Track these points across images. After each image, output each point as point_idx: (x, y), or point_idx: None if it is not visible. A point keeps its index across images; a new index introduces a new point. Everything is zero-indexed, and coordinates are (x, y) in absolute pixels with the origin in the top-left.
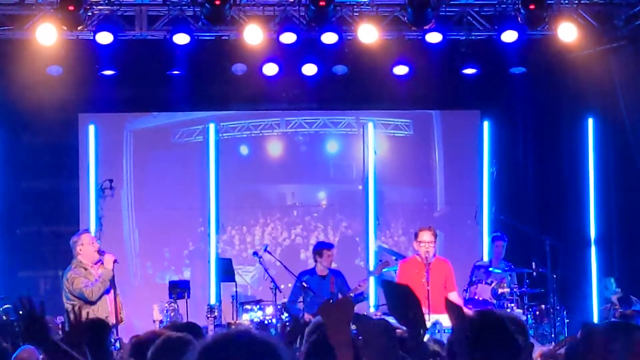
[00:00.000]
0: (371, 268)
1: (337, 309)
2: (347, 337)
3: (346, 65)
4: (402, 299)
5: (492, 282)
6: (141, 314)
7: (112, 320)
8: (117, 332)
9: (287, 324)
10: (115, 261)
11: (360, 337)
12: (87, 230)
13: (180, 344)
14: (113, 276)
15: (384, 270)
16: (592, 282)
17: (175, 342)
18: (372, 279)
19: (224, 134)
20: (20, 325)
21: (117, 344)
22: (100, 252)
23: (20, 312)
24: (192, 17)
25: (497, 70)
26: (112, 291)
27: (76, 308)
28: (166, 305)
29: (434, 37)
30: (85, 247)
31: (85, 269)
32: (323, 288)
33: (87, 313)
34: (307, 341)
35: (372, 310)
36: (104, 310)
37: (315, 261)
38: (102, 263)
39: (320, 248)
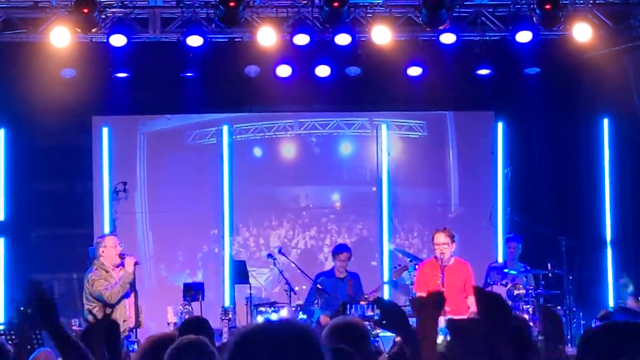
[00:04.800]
0: (386, 270)
1: (428, 304)
2: (435, 331)
3: (360, 66)
4: (493, 308)
5: (507, 283)
6: (155, 316)
7: (130, 324)
8: (137, 335)
9: None
10: (136, 263)
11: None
12: (113, 233)
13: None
14: (134, 279)
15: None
16: (608, 283)
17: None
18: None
19: (238, 136)
20: (28, 309)
21: (135, 346)
22: (122, 256)
23: (29, 295)
24: (205, 19)
25: (511, 71)
26: (132, 294)
27: (95, 310)
28: (180, 307)
29: (447, 38)
30: (107, 249)
31: (107, 271)
32: (339, 290)
33: (105, 313)
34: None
35: None
36: (122, 313)
37: (334, 263)
38: (124, 266)
39: (334, 251)
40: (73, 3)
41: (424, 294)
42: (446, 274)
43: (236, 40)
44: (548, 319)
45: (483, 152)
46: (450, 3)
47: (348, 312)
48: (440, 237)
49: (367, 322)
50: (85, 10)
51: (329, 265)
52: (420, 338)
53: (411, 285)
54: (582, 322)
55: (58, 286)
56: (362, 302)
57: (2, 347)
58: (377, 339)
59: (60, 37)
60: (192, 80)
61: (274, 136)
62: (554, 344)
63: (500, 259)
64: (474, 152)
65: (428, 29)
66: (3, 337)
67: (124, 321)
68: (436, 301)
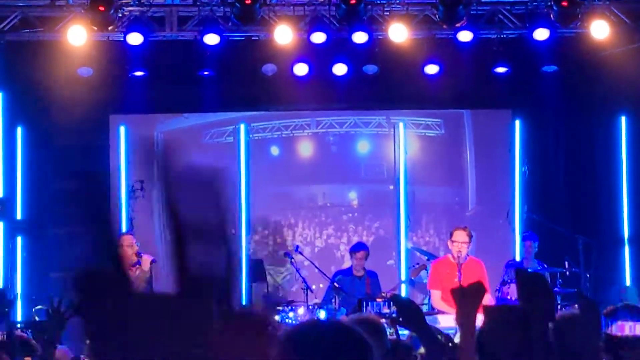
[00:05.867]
0: (403, 269)
1: (469, 294)
2: (473, 321)
3: (377, 64)
4: (534, 290)
5: None
6: None
7: None
8: None
9: None
10: (152, 261)
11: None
12: (129, 232)
13: None
14: (150, 277)
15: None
16: (626, 282)
17: None
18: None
19: (255, 135)
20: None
21: None
22: (138, 255)
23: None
24: (222, 17)
25: (528, 69)
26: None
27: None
28: None
29: (465, 36)
30: (123, 248)
31: None
32: (357, 288)
33: None
34: None
35: None
36: None
37: (351, 261)
38: (140, 265)
39: (351, 250)
40: (89, 1)
41: (439, 292)
42: (462, 272)
43: (253, 38)
44: (524, 285)
45: (500, 150)
46: (467, 0)
47: (364, 310)
48: (461, 235)
49: (383, 320)
50: (102, 9)
51: (346, 263)
52: (459, 327)
53: None
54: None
55: None
56: (378, 300)
57: (28, 342)
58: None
59: (77, 35)
60: (209, 78)
61: (291, 135)
62: (541, 320)
63: (517, 257)
64: (492, 150)
65: (445, 27)
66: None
67: None
68: (478, 291)
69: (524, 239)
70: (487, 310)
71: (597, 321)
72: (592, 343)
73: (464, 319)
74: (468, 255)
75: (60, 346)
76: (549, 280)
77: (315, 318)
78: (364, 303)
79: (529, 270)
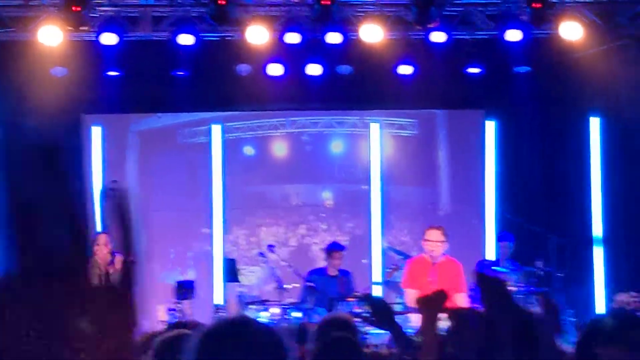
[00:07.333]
0: (375, 268)
1: (432, 300)
2: (435, 326)
3: (351, 65)
4: (495, 292)
5: None
6: (146, 314)
7: None
8: None
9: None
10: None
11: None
12: (104, 231)
13: (177, 341)
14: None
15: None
16: (597, 281)
17: (173, 340)
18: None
19: (229, 135)
20: None
21: None
22: (113, 254)
23: None
24: (196, 17)
25: (501, 70)
26: None
27: None
28: (172, 305)
29: (438, 37)
30: (100, 247)
31: (100, 269)
32: (331, 287)
33: None
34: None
35: None
36: None
37: (327, 261)
38: (114, 264)
39: (331, 249)
40: (63, 1)
41: (413, 291)
42: (436, 271)
43: (227, 38)
44: (546, 308)
45: (474, 150)
46: (441, 1)
47: (336, 309)
48: (433, 234)
49: (357, 319)
50: (76, 9)
51: (320, 263)
52: (421, 332)
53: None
54: (571, 319)
55: None
56: (349, 299)
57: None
58: (366, 335)
59: (51, 35)
60: (183, 78)
61: (266, 134)
62: (505, 320)
63: (491, 257)
64: (465, 150)
65: (418, 28)
66: None
67: None
68: (439, 298)
69: (499, 239)
70: (453, 313)
71: (556, 321)
72: (550, 342)
73: (427, 324)
74: (444, 255)
75: None
76: (523, 280)
77: (235, 316)
78: (336, 302)
79: (492, 270)
